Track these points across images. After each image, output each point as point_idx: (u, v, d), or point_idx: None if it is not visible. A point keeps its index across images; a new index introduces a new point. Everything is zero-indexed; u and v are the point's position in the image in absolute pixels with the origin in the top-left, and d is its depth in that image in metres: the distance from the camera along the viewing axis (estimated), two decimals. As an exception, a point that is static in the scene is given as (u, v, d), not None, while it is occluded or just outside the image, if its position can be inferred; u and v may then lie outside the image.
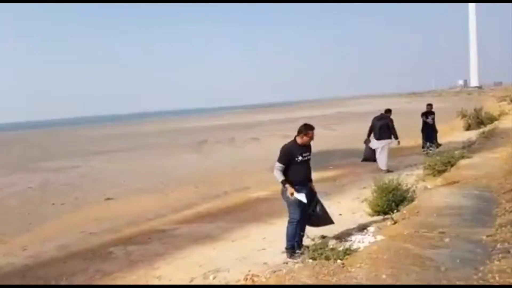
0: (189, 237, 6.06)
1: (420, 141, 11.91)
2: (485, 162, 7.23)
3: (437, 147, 10.25)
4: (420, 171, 8.37)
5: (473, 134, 13.82)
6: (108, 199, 10.17)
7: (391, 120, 9.98)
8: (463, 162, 7.49)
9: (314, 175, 10.81)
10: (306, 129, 4.65)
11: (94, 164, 17.56)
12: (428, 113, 11.59)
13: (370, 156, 10.09)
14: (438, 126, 20.52)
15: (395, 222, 4.61)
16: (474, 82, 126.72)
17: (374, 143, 9.86)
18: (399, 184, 5.67)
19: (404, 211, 4.82)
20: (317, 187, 9.04)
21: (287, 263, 4.29)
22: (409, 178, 8.04)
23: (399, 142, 9.97)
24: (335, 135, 22.79)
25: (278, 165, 4.56)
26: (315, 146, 16.47)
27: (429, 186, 6.61)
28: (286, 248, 4.57)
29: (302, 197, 4.55)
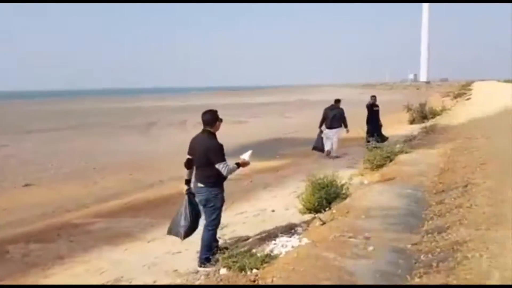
0: (103, 235, 5.39)
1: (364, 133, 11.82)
2: (422, 158, 7.17)
3: (383, 141, 10.22)
4: (360, 165, 8.22)
5: (416, 128, 14.11)
6: (27, 185, 9.13)
7: (343, 110, 10.49)
8: (402, 157, 7.39)
9: (260, 164, 10.67)
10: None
11: (25, 144, 16.03)
12: (373, 105, 11.46)
13: (319, 145, 10.39)
14: (386, 118, 21.12)
15: (323, 223, 4.27)
16: (423, 77, 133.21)
17: (326, 132, 10.23)
18: (334, 180, 5.37)
19: (334, 211, 4.50)
20: (258, 178, 8.81)
21: (197, 272, 3.80)
22: (348, 172, 7.87)
23: (348, 130, 10.46)
24: (289, 123, 22.63)
25: (225, 163, 3.92)
26: (268, 133, 16.05)
27: (365, 182, 6.40)
28: (200, 258, 3.98)
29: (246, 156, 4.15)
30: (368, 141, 9.21)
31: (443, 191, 4.75)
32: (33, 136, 17.91)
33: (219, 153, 3.90)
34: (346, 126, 10.39)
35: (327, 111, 10.36)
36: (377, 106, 11.42)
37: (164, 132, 19.43)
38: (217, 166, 3.84)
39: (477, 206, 3.74)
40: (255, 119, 25.10)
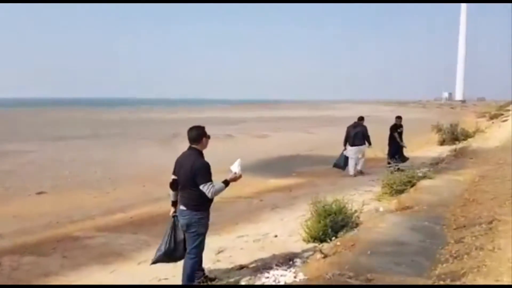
0: (97, 252, 5.18)
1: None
2: (446, 185, 6.57)
3: (403, 161, 9.65)
4: (379, 188, 7.68)
5: (445, 150, 13.29)
6: (41, 192, 9.18)
7: (365, 128, 10.27)
8: (423, 183, 6.83)
9: (274, 182, 10.29)
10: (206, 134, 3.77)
11: (49, 150, 16.41)
12: (398, 126, 10.78)
13: (340, 163, 10.32)
14: (415, 138, 20.23)
15: (325, 256, 3.84)
16: (458, 95, 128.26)
17: (348, 150, 10.08)
18: (343, 207, 4.93)
19: (338, 243, 4.07)
20: (269, 197, 8.42)
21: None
22: (365, 195, 7.37)
23: (370, 146, 10.26)
24: (311, 139, 22.11)
25: (211, 184, 3.54)
26: (288, 149, 15.53)
27: (381, 209, 5.89)
28: None
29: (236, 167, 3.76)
30: (389, 163, 8.65)
31: (464, 226, 4.21)
32: (59, 143, 18.35)
33: (204, 173, 3.53)
34: (369, 144, 10.17)
35: (349, 129, 10.25)
36: (401, 127, 10.76)
37: (184, 144, 19.41)
38: (201, 187, 3.50)
39: (500, 250, 3.23)
40: (277, 134, 24.76)
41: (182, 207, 3.63)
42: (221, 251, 4.71)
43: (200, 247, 3.61)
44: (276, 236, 5.18)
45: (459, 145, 13.37)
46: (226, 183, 3.68)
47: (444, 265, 3.26)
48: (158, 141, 20.32)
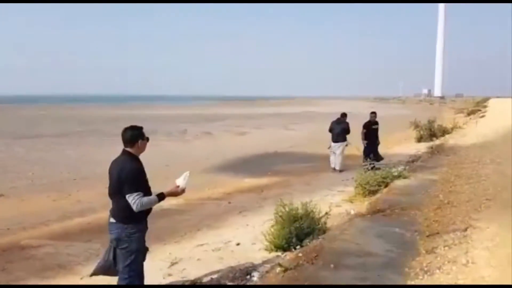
0: (40, 264, 4.68)
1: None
2: (421, 185, 6.30)
3: (377, 160, 9.37)
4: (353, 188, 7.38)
5: (422, 147, 13.17)
6: (-2, 195, 8.51)
7: (348, 124, 10.47)
8: (397, 183, 6.55)
9: (248, 182, 9.90)
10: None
11: (17, 149, 15.56)
12: (372, 123, 10.39)
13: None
14: (393, 135, 20.16)
15: (285, 270, 3.46)
16: (437, 92, 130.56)
17: (332, 146, 10.31)
18: (311, 211, 4.57)
19: (300, 254, 3.69)
20: (239, 198, 8.00)
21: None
22: (338, 196, 7.06)
23: (347, 144, 10.39)
24: (291, 136, 21.80)
25: (138, 194, 3.03)
26: (267, 146, 14.98)
27: (352, 212, 5.57)
28: None
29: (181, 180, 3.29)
30: (365, 163, 8.37)
31: (437, 233, 3.91)
32: (28, 142, 17.44)
33: (131, 181, 3.03)
34: (345, 140, 10.32)
35: (333, 125, 10.44)
36: (376, 123, 10.42)
37: (159, 142, 18.73)
38: (127, 197, 3.02)
39: (474, 264, 2.91)
40: (257, 131, 24.37)
41: (111, 219, 3.16)
42: (175, 262, 4.28)
43: (134, 266, 3.11)
44: (238, 244, 4.78)
45: (436, 142, 13.27)
46: (161, 196, 3.20)
47: (414, 281, 2.92)
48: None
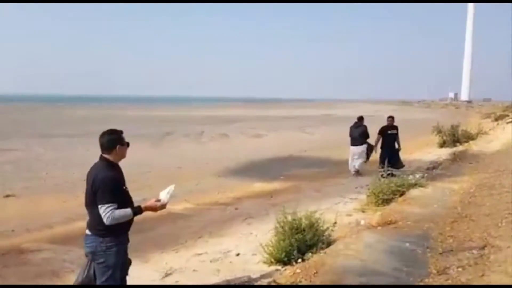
0: (34, 270, 4.57)
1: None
2: (438, 195, 5.89)
3: (398, 168, 8.86)
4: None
5: (445, 153, 12.58)
6: (8, 196, 8.59)
7: (366, 127, 10.29)
8: (414, 192, 6.15)
9: (258, 186, 9.65)
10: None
11: (35, 148, 15.85)
12: (389, 127, 9.77)
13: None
14: (414, 140, 19.45)
15: None
16: (464, 96, 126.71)
17: (352, 149, 10.16)
18: (315, 222, 4.28)
19: (299, 270, 3.41)
20: (246, 204, 7.75)
21: None
22: (350, 204, 6.71)
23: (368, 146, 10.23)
24: (307, 139, 21.42)
25: (110, 206, 2.77)
26: (282, 149, 14.68)
27: (362, 222, 5.23)
28: None
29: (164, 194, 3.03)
30: (382, 169, 7.95)
31: (451, 250, 3.55)
32: (46, 142, 17.78)
33: (103, 190, 2.78)
34: (369, 145, 10.17)
35: (352, 128, 10.37)
36: (393, 128, 9.78)
37: (176, 143, 18.78)
38: (99, 208, 2.78)
39: (490, 291, 2.56)
40: (273, 133, 24.10)
41: (87, 231, 2.95)
42: (169, 273, 4.07)
43: (111, 282, 2.88)
44: (238, 254, 4.53)
45: (459, 148, 12.64)
46: (139, 210, 2.94)
47: (419, 307, 2.60)
48: (150, 140, 19.70)
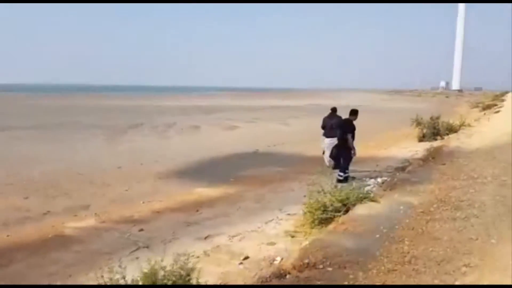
0: None
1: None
2: (389, 216, 4.51)
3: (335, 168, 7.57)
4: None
5: (421, 148, 11.25)
6: None
7: (340, 119, 9.36)
8: (359, 209, 4.77)
9: (197, 192, 8.20)
10: None
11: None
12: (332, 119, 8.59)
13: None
14: (395, 132, 18.14)
15: None
16: (455, 85, 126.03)
17: (326, 141, 9.51)
18: (187, 275, 2.88)
19: None
20: (159, 223, 5.93)
21: None
22: (283, 223, 5.33)
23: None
24: (284, 132, 19.99)
25: None
26: (250, 144, 12.82)
27: (278, 260, 3.86)
28: None
29: None
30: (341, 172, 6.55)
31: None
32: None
33: None
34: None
35: (326, 120, 9.74)
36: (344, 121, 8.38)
37: (136, 137, 17.15)
38: None
39: None
40: (249, 125, 22.65)
41: None
42: None
43: None
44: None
45: (436, 143, 11.31)
46: None
47: None
48: (110, 132, 18.11)
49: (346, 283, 2.99)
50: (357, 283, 2.95)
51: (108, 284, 2.73)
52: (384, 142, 14.86)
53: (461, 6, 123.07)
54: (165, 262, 3.15)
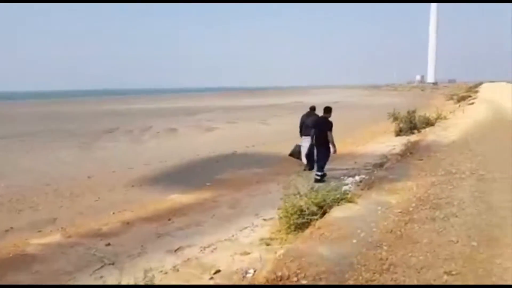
0: None
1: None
2: (367, 218, 4.31)
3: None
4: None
5: (399, 143, 11.23)
6: None
7: (318, 117, 9.17)
8: (336, 212, 4.56)
9: (171, 199, 7.82)
10: None
11: None
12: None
13: (296, 152, 9.81)
14: (371, 127, 18.19)
15: None
16: (430, 78, 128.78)
17: (303, 140, 9.44)
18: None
19: None
20: (132, 231, 5.72)
21: None
22: (259, 230, 5.08)
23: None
24: (263, 132, 19.76)
25: None
26: (228, 146, 12.32)
27: (250, 273, 3.60)
28: None
29: None
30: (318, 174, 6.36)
31: None
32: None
33: None
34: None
35: (303, 118, 9.63)
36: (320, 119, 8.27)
37: (110, 143, 16.56)
38: None
39: None
40: (228, 125, 22.36)
41: None
42: None
43: None
44: None
45: (413, 137, 11.31)
46: None
47: None
48: (86, 140, 17.45)
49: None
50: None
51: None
52: (361, 138, 14.83)
53: (433, 6, 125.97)
54: (128, 281, 2.85)
